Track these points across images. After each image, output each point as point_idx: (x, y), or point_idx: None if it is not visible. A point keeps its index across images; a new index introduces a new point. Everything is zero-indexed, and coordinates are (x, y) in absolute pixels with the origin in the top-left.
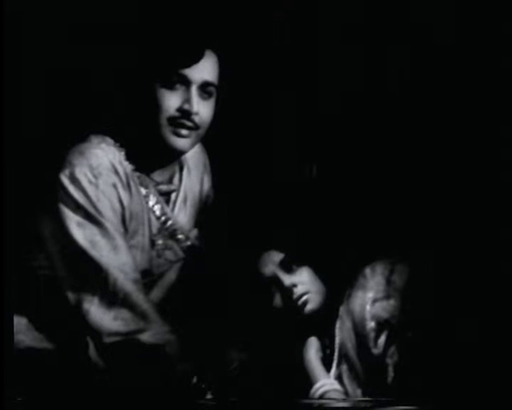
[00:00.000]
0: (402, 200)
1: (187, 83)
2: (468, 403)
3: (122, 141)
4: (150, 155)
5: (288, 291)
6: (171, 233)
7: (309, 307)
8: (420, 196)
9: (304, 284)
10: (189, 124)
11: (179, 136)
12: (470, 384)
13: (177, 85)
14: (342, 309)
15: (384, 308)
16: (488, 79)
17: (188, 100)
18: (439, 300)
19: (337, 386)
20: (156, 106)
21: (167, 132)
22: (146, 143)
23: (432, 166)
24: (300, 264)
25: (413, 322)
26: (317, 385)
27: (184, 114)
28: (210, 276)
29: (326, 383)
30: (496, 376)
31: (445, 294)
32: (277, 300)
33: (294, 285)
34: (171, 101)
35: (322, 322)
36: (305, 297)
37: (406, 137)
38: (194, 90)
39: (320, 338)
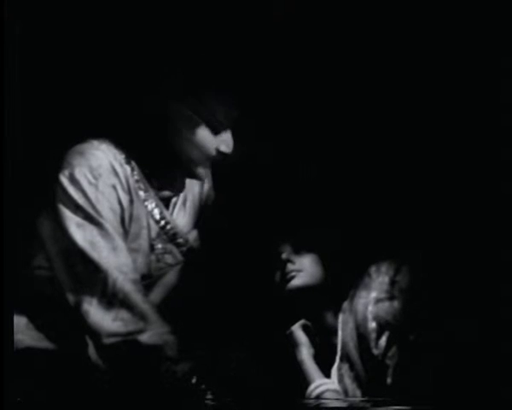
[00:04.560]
0: (410, 201)
1: (225, 126)
2: (467, 405)
3: (125, 144)
4: (157, 164)
5: (283, 264)
6: (170, 237)
7: (294, 282)
8: (428, 197)
9: (301, 264)
10: (221, 162)
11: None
12: (470, 386)
13: (220, 128)
14: (346, 308)
15: (386, 310)
16: (489, 79)
17: (226, 141)
18: (442, 302)
19: (332, 386)
20: (196, 142)
21: (198, 167)
22: (159, 157)
23: (440, 169)
24: (310, 251)
25: (415, 324)
26: (312, 386)
27: (221, 155)
28: (210, 276)
29: (321, 383)
30: (496, 377)
31: (448, 296)
32: (277, 275)
33: (290, 261)
34: (212, 141)
35: (309, 304)
36: (294, 273)
37: (415, 136)
38: (229, 132)
39: (306, 323)
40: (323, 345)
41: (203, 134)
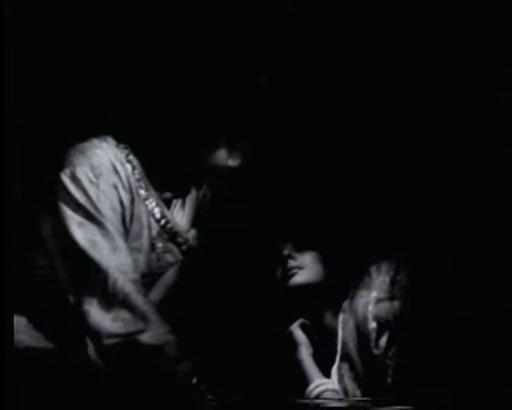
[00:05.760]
0: (411, 200)
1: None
2: (468, 405)
3: (129, 144)
4: (167, 169)
5: (284, 260)
6: (170, 236)
7: (296, 279)
8: (429, 197)
9: (303, 261)
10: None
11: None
12: (470, 386)
13: (235, 150)
14: (346, 308)
15: (386, 310)
16: (489, 79)
17: (233, 157)
18: (442, 301)
19: (331, 386)
20: (211, 158)
21: (205, 178)
22: (172, 164)
23: (440, 168)
24: (311, 249)
25: (414, 324)
26: (311, 386)
27: (231, 169)
28: (210, 275)
29: (321, 383)
30: (496, 377)
31: (448, 295)
32: (278, 272)
33: (292, 257)
34: (226, 158)
35: (309, 303)
36: (295, 270)
37: (415, 137)
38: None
39: (305, 322)
40: (323, 345)
41: (219, 153)
